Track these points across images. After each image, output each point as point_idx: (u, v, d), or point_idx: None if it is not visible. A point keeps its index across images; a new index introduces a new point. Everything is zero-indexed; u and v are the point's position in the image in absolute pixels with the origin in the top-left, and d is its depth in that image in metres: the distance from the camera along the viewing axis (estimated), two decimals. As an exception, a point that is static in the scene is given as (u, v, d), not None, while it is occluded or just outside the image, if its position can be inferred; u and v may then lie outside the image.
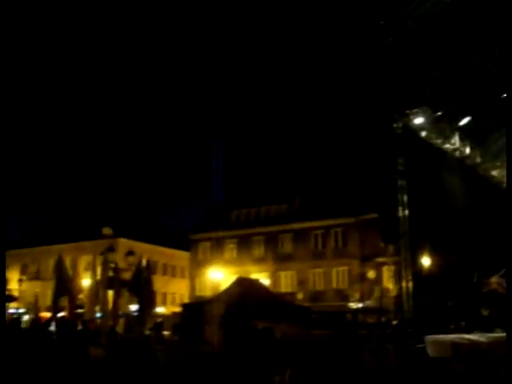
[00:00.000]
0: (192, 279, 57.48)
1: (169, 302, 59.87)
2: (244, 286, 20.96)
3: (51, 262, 61.61)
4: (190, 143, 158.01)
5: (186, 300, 50.96)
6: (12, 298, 39.34)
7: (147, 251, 47.55)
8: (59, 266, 17.08)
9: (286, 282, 50.61)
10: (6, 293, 40.06)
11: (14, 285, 46.64)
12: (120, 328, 18.10)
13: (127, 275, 17.79)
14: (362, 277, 45.73)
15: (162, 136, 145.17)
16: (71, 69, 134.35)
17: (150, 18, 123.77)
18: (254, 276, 39.05)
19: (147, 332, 18.18)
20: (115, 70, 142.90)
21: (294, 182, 55.83)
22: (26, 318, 39.14)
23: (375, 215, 45.04)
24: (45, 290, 59.64)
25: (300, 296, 46.76)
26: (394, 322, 29.53)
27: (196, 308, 21.22)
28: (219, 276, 46.41)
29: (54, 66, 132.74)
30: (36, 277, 63.96)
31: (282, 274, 51.05)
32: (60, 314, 17.63)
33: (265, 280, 41.43)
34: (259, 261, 52.12)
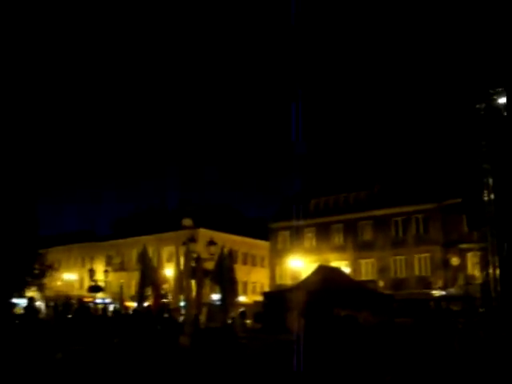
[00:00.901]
0: (272, 268, 57.77)
1: (249, 291, 60.45)
2: (325, 273, 20.86)
3: (134, 254, 63.42)
4: (269, 129, 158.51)
5: (267, 289, 51.17)
6: (99, 289, 40.63)
7: (227, 241, 48.06)
8: (143, 257, 17.47)
9: (367, 269, 50.16)
10: (94, 283, 41.50)
11: (100, 276, 48.12)
12: (203, 317, 18.36)
13: (209, 265, 18.00)
14: (445, 264, 44.70)
15: (242, 124, 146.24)
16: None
17: None
18: (333, 264, 38.85)
19: (229, 321, 18.35)
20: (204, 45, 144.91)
21: (373, 168, 55.14)
22: (111, 307, 40.30)
23: (458, 200, 43.84)
24: (129, 281, 61.47)
25: (381, 284, 46.21)
26: (481, 310, 28.70)
27: (277, 296, 21.25)
28: (299, 265, 46.34)
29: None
30: (120, 268, 65.89)
31: (363, 261, 50.63)
32: (145, 304, 18.04)
33: (345, 268, 41.07)
34: (339, 249, 51.85)
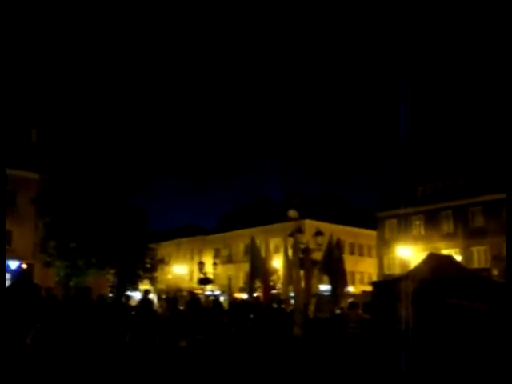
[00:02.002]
0: (380, 258, 57.04)
1: (357, 282, 59.91)
2: (436, 262, 20.25)
3: (241, 246, 64.45)
4: (373, 116, 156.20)
5: (374, 279, 50.54)
6: (209, 281, 41.52)
7: (333, 231, 47.67)
8: (252, 249, 17.66)
9: (479, 257, 48.50)
10: (203, 276, 42.45)
11: (208, 268, 49.19)
12: (311, 308, 18.33)
13: (317, 255, 17.94)
14: None
15: (345, 112, 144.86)
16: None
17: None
18: (443, 252, 37.81)
19: (338, 311, 18.23)
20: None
21: (480, 152, 53.07)
22: (221, 299, 41.10)
23: None
24: (237, 273, 62.55)
25: (495, 272, 44.45)
26: None
27: (387, 286, 20.85)
28: (407, 253, 45.48)
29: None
30: (228, 260, 67.11)
31: (474, 249, 48.99)
32: (254, 295, 18.24)
33: (455, 256, 39.85)
34: (448, 236, 50.45)
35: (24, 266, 42.76)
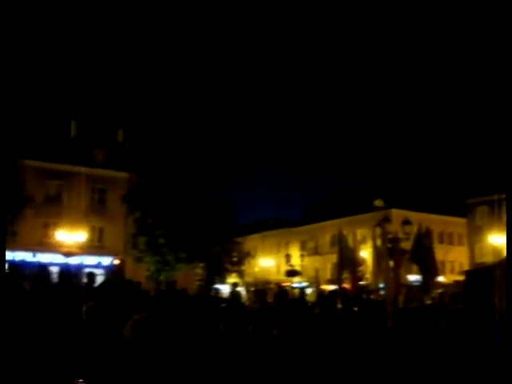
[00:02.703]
0: (471, 246, 55.41)
1: (447, 271, 58.37)
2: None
3: (327, 238, 64.11)
4: (467, 99, 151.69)
5: (466, 268, 49.11)
6: (296, 273, 41.56)
7: (422, 220, 46.62)
8: (340, 240, 17.51)
9: None
10: (290, 268, 42.54)
11: (296, 260, 49.20)
12: (401, 298, 18.00)
13: (405, 245, 17.58)
14: None
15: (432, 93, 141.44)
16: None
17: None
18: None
19: (429, 301, 17.78)
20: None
21: None
22: (309, 290, 41.03)
23: None
24: (324, 264, 62.26)
25: None
26: None
27: (481, 274, 20.16)
28: (500, 241, 43.87)
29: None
30: (314, 252, 66.91)
31: None
32: (343, 286, 18.06)
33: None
34: (544, 221, 48.29)
35: (116, 261, 44.19)
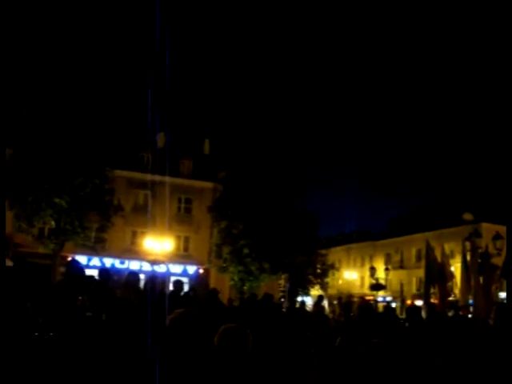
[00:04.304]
0: None
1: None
2: None
3: (413, 251, 62.68)
4: None
5: None
6: (381, 287, 40.89)
7: (513, 235, 44.90)
8: (427, 254, 17.07)
9: None
10: (375, 282, 41.87)
11: (380, 274, 48.38)
12: (492, 315, 17.33)
13: (497, 260, 16.96)
14: None
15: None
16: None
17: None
18: None
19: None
20: None
21: None
22: (393, 305, 40.31)
23: None
24: (409, 278, 60.95)
25: None
26: None
27: None
28: None
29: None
30: (400, 266, 65.59)
31: None
32: (430, 301, 17.58)
33: None
34: None
35: (201, 270, 44.83)
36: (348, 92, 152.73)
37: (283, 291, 39.27)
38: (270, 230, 34.76)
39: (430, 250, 17.01)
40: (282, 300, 35.06)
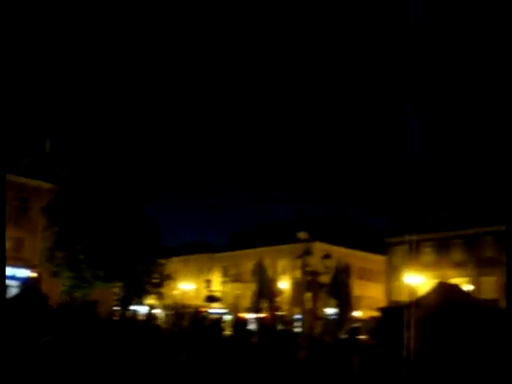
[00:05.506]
0: (388, 283, 56.69)
1: (365, 306, 59.46)
2: (445, 291, 20.09)
3: (250, 265, 64.15)
4: (385, 138, 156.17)
5: (383, 305, 50.25)
6: (215, 299, 41.40)
7: (343, 255, 47.50)
8: (260, 269, 17.61)
9: (489, 288, 47.98)
10: (210, 294, 42.35)
11: (216, 286, 49.03)
12: (318, 330, 18.21)
13: (324, 278, 17.87)
14: None
15: (355, 136, 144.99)
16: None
17: None
18: (453, 281, 37.51)
19: (343, 336, 18.07)
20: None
21: (492, 181, 52.87)
22: (227, 318, 41.01)
23: None
24: (244, 292, 62.25)
25: (504, 303, 43.99)
26: None
27: (394, 312, 20.67)
28: (416, 280, 45.12)
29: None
30: (236, 279, 66.81)
31: (484, 279, 48.56)
32: (260, 315, 18.15)
33: (465, 286, 39.52)
34: (459, 265, 50.12)
35: (32, 274, 42.84)
36: (201, 97, 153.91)
37: (117, 300, 38.52)
38: (108, 236, 33.98)
39: (261, 265, 17.56)
40: (116, 308, 34.44)
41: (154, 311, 33.35)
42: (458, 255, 51.20)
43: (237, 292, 61.77)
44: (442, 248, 52.13)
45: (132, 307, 35.69)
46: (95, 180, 35.64)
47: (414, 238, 50.66)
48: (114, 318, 19.17)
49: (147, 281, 38.92)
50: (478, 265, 48.99)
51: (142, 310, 35.83)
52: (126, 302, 35.10)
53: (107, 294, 36.94)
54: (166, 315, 33.05)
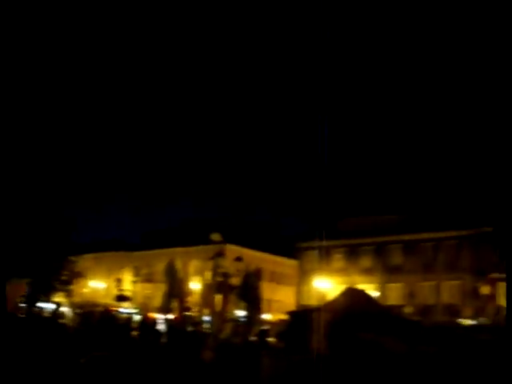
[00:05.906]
0: (298, 287, 57.50)
1: (275, 310, 60.08)
2: (353, 296, 20.66)
3: (162, 265, 63.58)
4: (297, 144, 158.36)
5: (292, 308, 50.95)
6: (126, 298, 40.85)
7: (255, 258, 47.99)
8: (170, 270, 17.58)
9: (395, 294, 49.60)
10: (120, 293, 41.72)
11: (127, 285, 48.36)
12: (227, 332, 18.33)
13: (235, 281, 18.02)
14: (475, 292, 44.09)
15: (268, 142, 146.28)
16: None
17: None
18: (361, 287, 38.51)
19: (253, 338, 18.27)
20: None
21: (404, 191, 54.86)
22: (137, 318, 40.56)
23: (490, 229, 43.30)
24: (156, 292, 61.68)
25: (408, 309, 45.62)
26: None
27: (302, 315, 21.08)
28: (326, 285, 46.05)
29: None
30: (148, 279, 66.12)
31: (391, 286, 50.15)
32: (170, 316, 18.08)
33: (373, 292, 40.66)
34: (367, 272, 51.47)
35: None
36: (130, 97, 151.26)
37: (23, 296, 37.43)
38: (13, 231, 32.91)
39: (171, 265, 17.56)
40: (22, 305, 33.47)
41: (61, 309, 32.54)
42: (366, 262, 52.55)
43: (147, 292, 61.16)
44: (352, 254, 53.41)
45: (39, 304, 34.76)
46: (2, 175, 34.46)
47: (325, 243, 51.72)
48: (19, 315, 18.62)
49: (56, 278, 37.95)
50: (385, 272, 50.48)
51: (49, 307, 34.95)
52: (32, 299, 34.16)
53: (13, 291, 35.84)
54: (74, 313, 32.32)
